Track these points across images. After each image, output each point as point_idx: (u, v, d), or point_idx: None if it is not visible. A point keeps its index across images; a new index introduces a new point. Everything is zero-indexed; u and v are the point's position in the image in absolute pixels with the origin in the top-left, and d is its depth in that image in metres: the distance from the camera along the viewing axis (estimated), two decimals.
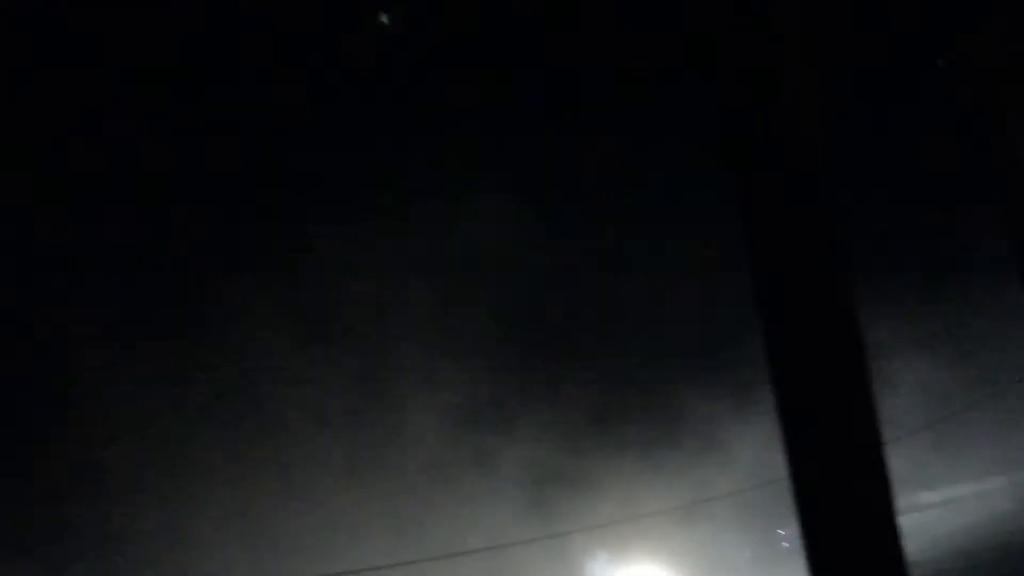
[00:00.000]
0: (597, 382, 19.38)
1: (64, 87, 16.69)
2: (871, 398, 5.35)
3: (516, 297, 19.10)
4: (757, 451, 18.60)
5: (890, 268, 18.88)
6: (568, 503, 18.87)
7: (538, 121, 18.89)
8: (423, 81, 17.84)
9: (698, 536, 19.37)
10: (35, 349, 17.20)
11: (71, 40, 16.28)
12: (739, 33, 5.51)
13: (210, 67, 16.67)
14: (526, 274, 19.20)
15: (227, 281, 17.85)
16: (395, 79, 17.61)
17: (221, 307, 17.82)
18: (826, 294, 5.41)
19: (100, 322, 16.98)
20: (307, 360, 18.10)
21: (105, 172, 17.27)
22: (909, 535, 5.41)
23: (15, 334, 16.87)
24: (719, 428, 19.92)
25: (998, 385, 19.77)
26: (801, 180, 5.41)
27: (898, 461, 5.66)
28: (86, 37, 16.27)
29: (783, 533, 20.58)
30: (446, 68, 17.35)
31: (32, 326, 17.02)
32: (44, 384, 17.24)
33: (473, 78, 17.71)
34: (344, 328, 18.62)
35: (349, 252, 18.27)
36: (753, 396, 18.33)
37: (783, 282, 5.49)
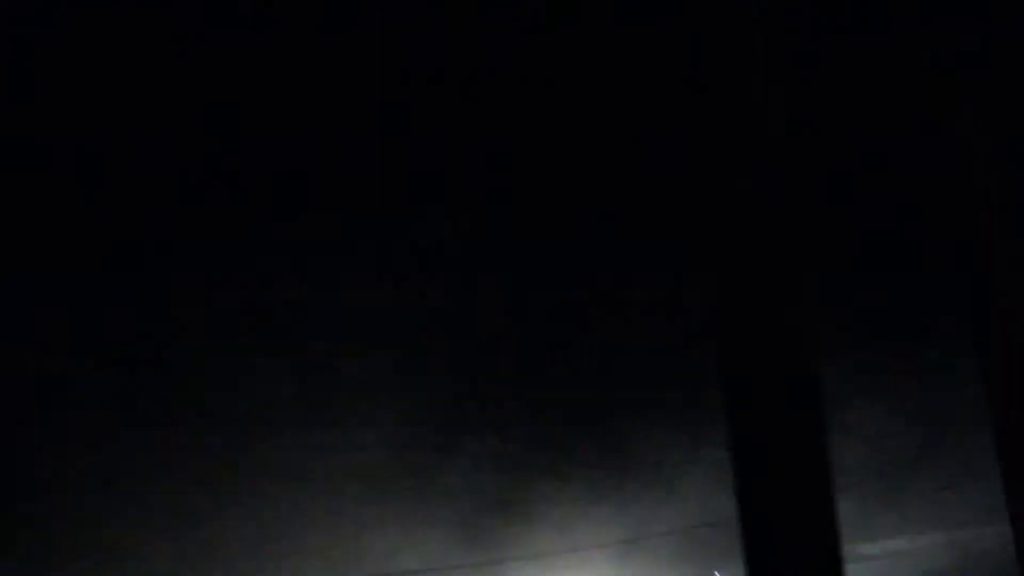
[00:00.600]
0: (546, 411, 19.41)
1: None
2: (825, 446, 5.48)
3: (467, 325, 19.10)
4: (703, 490, 18.72)
5: (852, 318, 19.00)
6: (505, 531, 18.81)
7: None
8: None
9: (635, 571, 19.39)
10: None
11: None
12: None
13: None
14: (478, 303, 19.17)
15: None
16: None
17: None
18: (787, 340, 5.49)
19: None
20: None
21: None
22: None
23: None
24: (666, 465, 19.87)
25: (944, 445, 20.02)
26: (765, 223, 5.44)
27: (844, 511, 5.72)
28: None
29: (718, 574, 20.91)
30: None
31: None
32: None
33: None
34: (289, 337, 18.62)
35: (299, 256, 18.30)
36: (704, 435, 18.52)
37: (743, 326, 5.54)
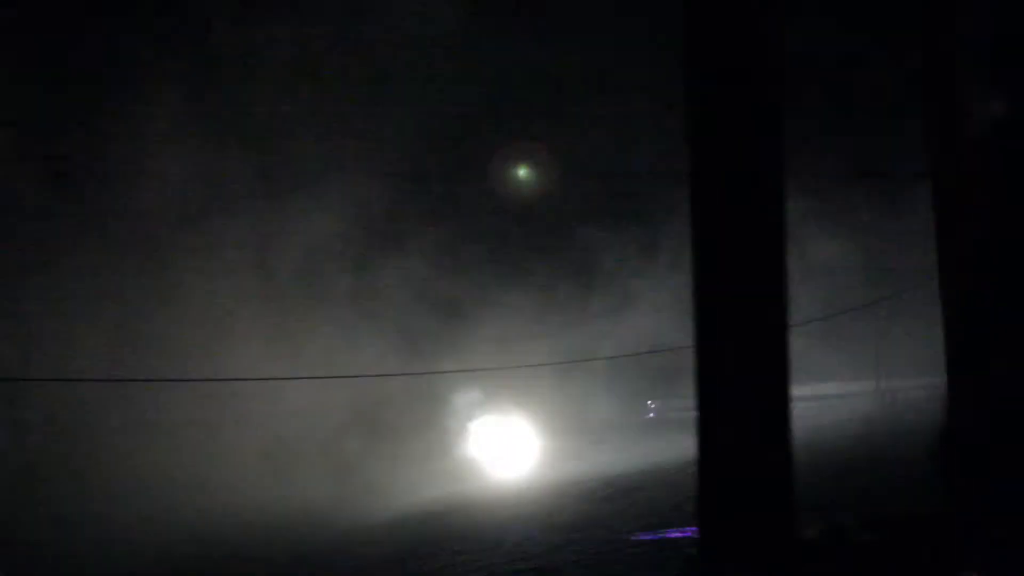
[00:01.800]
0: (498, 210, 18.93)
1: None
2: (784, 284, 5.51)
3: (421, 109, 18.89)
4: (652, 317, 18.37)
5: (818, 162, 18.96)
6: (447, 336, 18.44)
7: None
8: None
9: (569, 394, 19.06)
10: None
11: None
12: None
13: None
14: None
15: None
16: None
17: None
18: (755, 179, 5.49)
19: None
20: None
21: None
22: None
23: None
24: (619, 286, 19.38)
25: (894, 291, 19.94)
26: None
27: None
28: None
29: (652, 404, 20.88)
30: None
31: None
32: None
33: None
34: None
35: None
36: (664, 259, 18.30)
37: (715, 164, 5.54)
